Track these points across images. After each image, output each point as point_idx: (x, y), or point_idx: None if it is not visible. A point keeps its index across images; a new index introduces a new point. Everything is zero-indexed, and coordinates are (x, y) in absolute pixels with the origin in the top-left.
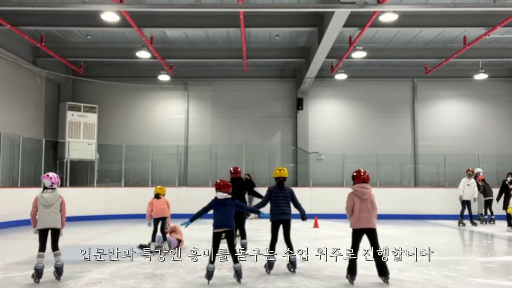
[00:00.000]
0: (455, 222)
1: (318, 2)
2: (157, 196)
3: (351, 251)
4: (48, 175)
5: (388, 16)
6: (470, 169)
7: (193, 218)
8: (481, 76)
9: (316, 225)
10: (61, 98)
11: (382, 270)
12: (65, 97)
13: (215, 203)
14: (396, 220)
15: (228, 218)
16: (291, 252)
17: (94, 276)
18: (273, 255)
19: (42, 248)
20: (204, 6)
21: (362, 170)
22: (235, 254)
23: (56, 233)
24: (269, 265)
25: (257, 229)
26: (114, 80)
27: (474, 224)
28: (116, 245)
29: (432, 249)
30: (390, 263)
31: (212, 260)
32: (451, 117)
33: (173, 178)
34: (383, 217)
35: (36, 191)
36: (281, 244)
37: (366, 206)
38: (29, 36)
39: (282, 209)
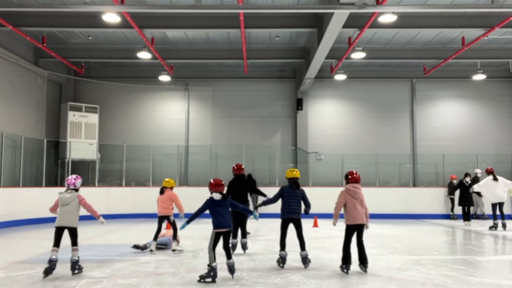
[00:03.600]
0: (454, 222)
1: (317, 3)
2: (161, 190)
3: (344, 244)
4: (67, 177)
5: (387, 17)
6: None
7: (190, 219)
8: (479, 77)
9: (315, 225)
10: (62, 99)
11: (363, 259)
12: (66, 97)
13: (211, 204)
14: (395, 219)
15: (228, 218)
16: (303, 248)
17: (95, 275)
18: (285, 250)
19: (56, 244)
20: (204, 7)
21: (354, 171)
22: (229, 251)
23: (72, 232)
24: (282, 260)
25: (257, 228)
26: (115, 81)
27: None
28: (117, 245)
29: (431, 248)
30: (389, 263)
31: (214, 259)
32: (449, 118)
33: (173, 178)
34: (382, 216)
35: (37, 191)
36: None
37: (357, 204)
38: (31, 37)
39: (292, 208)
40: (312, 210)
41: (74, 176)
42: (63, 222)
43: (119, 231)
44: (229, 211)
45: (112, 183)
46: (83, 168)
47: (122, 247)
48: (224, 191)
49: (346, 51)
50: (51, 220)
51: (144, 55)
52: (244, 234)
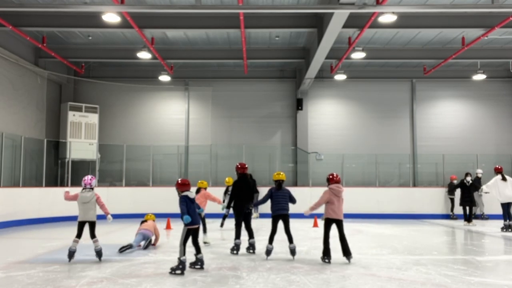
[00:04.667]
0: (454, 222)
1: (317, 3)
2: (197, 190)
3: (325, 237)
4: (84, 178)
5: (387, 17)
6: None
7: (186, 213)
8: (479, 77)
9: (315, 225)
10: (62, 99)
11: (346, 251)
12: (66, 97)
13: (188, 201)
14: (395, 219)
15: (197, 215)
16: (291, 241)
17: (96, 275)
18: (271, 244)
19: (78, 235)
20: (204, 7)
21: (335, 174)
22: (198, 246)
23: (92, 224)
24: (268, 252)
25: (257, 228)
26: (115, 81)
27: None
28: (117, 245)
29: (431, 248)
30: (389, 263)
31: (184, 253)
32: (449, 118)
33: (173, 178)
34: (382, 216)
35: (37, 191)
36: (280, 243)
37: (339, 202)
38: (31, 37)
39: (281, 205)
40: None
41: (90, 176)
42: (85, 217)
43: (119, 231)
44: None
45: (112, 183)
46: (83, 168)
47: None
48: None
49: (346, 51)
50: (51, 220)
51: (144, 55)
52: (251, 235)
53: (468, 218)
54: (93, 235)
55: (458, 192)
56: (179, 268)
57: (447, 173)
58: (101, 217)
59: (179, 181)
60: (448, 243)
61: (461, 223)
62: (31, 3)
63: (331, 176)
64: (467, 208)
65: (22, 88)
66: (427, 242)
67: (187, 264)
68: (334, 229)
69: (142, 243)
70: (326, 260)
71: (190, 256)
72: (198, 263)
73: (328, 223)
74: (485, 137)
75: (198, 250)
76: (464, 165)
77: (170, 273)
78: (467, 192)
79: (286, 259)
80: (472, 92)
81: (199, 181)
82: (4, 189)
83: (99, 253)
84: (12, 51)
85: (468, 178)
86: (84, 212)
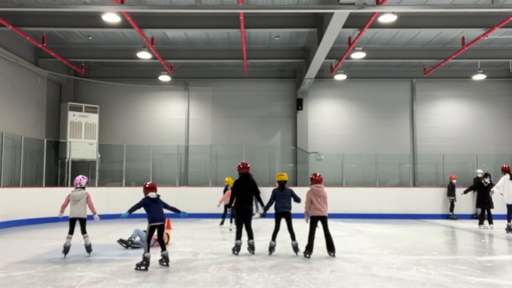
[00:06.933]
0: (453, 222)
1: (317, 3)
2: (226, 188)
3: (310, 234)
4: (76, 178)
5: (387, 17)
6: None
7: (129, 210)
8: (479, 77)
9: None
10: (62, 99)
11: (330, 247)
12: (66, 97)
13: (148, 201)
14: (395, 219)
15: (162, 213)
16: (293, 239)
17: (95, 275)
18: (274, 241)
19: (70, 232)
20: (204, 7)
21: (318, 174)
22: (163, 243)
23: (82, 221)
24: (271, 249)
25: (257, 229)
26: (115, 81)
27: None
28: (117, 245)
29: (431, 248)
30: (389, 263)
31: (148, 249)
32: (449, 118)
33: (173, 177)
34: (382, 216)
35: (37, 191)
36: (280, 243)
37: (320, 200)
38: (31, 36)
39: (283, 204)
40: None
41: (81, 176)
42: (75, 214)
43: (119, 231)
44: (162, 208)
45: (112, 183)
46: (83, 168)
47: (122, 247)
48: (157, 193)
49: (346, 51)
50: (51, 220)
51: (144, 55)
52: (251, 235)
53: (488, 220)
54: (83, 231)
55: (459, 192)
56: (143, 264)
57: (447, 173)
58: (100, 217)
59: (146, 185)
60: (448, 243)
61: (460, 223)
62: (31, 3)
63: (312, 177)
64: (485, 210)
65: (22, 88)
66: (427, 242)
67: (155, 260)
68: (338, 228)
69: (137, 238)
70: (307, 255)
71: (187, 256)
72: (163, 260)
73: (313, 221)
74: (485, 137)
75: (163, 247)
76: (464, 165)
77: (136, 269)
78: (484, 193)
79: (287, 259)
80: (472, 92)
81: (226, 180)
82: (4, 189)
83: (88, 248)
84: (12, 51)
85: (487, 179)
86: (74, 209)
